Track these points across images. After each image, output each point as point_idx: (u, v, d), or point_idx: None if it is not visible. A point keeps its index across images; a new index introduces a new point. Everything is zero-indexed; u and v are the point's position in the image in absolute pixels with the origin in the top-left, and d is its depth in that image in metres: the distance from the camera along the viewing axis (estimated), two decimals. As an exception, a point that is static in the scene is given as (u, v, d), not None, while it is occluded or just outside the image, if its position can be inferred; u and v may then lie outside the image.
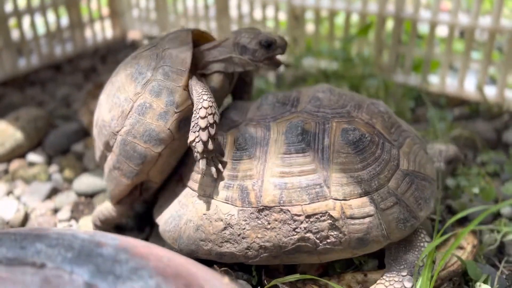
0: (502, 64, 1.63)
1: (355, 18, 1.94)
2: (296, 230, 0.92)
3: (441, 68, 1.75)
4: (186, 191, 1.04)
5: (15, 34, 2.01)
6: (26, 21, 2.09)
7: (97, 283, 0.62)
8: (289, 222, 0.93)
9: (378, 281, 0.93)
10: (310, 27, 2.14)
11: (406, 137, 1.05)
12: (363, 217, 0.92)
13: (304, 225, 0.92)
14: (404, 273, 0.92)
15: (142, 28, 2.48)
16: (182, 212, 1.02)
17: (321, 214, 0.92)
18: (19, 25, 1.98)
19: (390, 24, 1.92)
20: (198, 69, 1.07)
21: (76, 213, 1.28)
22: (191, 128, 0.96)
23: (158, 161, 1.02)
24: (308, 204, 0.93)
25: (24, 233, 0.71)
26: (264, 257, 0.95)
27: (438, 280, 0.96)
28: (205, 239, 0.98)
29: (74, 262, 0.65)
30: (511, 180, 1.29)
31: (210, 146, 0.95)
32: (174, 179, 1.11)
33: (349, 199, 0.93)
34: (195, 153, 0.96)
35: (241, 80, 1.21)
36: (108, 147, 1.06)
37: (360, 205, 0.93)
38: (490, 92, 1.68)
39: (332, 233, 0.92)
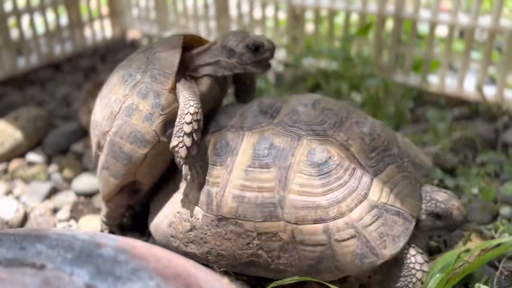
0: (501, 64, 1.63)
1: (354, 17, 1.94)
2: (249, 245, 0.93)
3: (440, 68, 1.75)
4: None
5: (14, 34, 2.01)
6: (25, 20, 2.09)
7: (97, 284, 0.62)
8: (243, 236, 0.93)
9: None
10: (309, 27, 2.14)
11: (389, 164, 0.94)
12: (314, 245, 0.88)
13: (256, 241, 0.92)
14: None
15: (141, 27, 2.48)
16: (164, 207, 1.06)
17: (272, 234, 0.91)
18: (19, 24, 1.98)
19: (390, 24, 1.92)
20: (188, 72, 1.08)
21: (75, 213, 1.28)
22: (174, 132, 0.96)
23: (144, 162, 1.03)
24: (261, 222, 0.91)
25: (24, 234, 0.71)
26: (223, 264, 0.96)
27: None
28: (174, 236, 1.01)
29: (74, 263, 0.65)
30: (511, 180, 1.29)
31: (193, 152, 0.96)
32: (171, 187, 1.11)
33: (301, 224, 0.89)
34: (178, 159, 0.96)
35: (242, 82, 1.21)
36: (99, 147, 1.08)
37: (312, 232, 0.88)
38: (490, 92, 1.68)
39: (284, 255, 0.91)
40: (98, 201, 1.32)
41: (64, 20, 2.23)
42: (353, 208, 0.88)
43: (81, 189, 1.35)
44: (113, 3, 2.40)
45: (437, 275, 0.88)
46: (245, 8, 2.18)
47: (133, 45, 2.38)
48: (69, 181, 1.41)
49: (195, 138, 0.96)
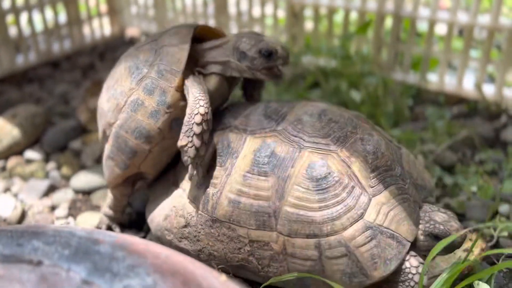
0: (500, 62, 1.63)
1: (354, 15, 1.94)
2: (241, 250, 0.93)
3: (439, 66, 1.75)
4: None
5: (12, 31, 2.00)
6: (24, 17, 2.08)
7: (94, 281, 0.62)
8: (235, 241, 0.94)
9: None
10: (309, 25, 2.14)
11: (389, 185, 0.92)
12: (305, 259, 0.89)
13: (247, 248, 0.93)
14: None
15: (140, 25, 2.47)
16: (162, 198, 1.07)
17: (263, 243, 0.91)
18: (17, 22, 1.97)
19: (389, 22, 1.92)
20: (197, 67, 1.06)
21: (73, 210, 1.28)
22: (183, 131, 0.95)
23: (148, 157, 1.03)
24: (254, 229, 0.92)
25: (21, 230, 0.71)
26: (215, 263, 0.97)
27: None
28: (169, 229, 1.02)
29: (71, 260, 0.65)
30: (509, 178, 1.29)
31: (202, 152, 0.96)
32: (169, 181, 1.11)
33: (293, 237, 0.89)
34: (186, 157, 0.96)
35: (251, 80, 1.16)
36: (105, 136, 1.08)
37: (304, 247, 0.88)
38: (489, 90, 1.68)
39: (274, 264, 0.91)
40: (97, 199, 1.32)
41: (62, 17, 2.23)
42: (348, 226, 0.87)
43: (79, 186, 1.35)
44: (111, 1, 2.39)
45: (444, 275, 0.88)
46: (244, 6, 2.17)
47: (132, 43, 2.37)
48: (67, 178, 1.41)
49: (205, 138, 0.95)
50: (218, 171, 0.97)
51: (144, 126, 0.99)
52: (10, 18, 2.01)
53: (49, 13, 2.15)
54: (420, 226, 0.93)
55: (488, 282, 0.95)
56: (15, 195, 1.35)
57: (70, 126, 1.60)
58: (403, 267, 0.89)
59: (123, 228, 1.20)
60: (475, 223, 1.15)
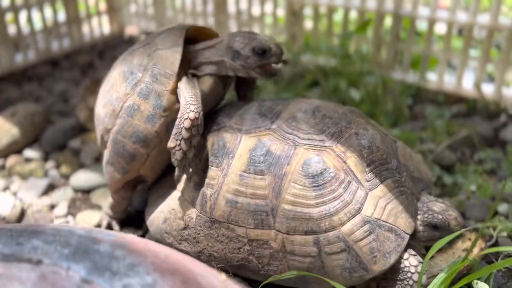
0: (500, 61, 1.63)
1: (353, 14, 1.94)
2: (240, 249, 0.93)
3: (439, 65, 1.75)
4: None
5: (12, 29, 2.00)
6: (23, 16, 2.08)
7: (93, 280, 0.62)
8: (235, 241, 0.94)
9: None
10: (308, 24, 2.14)
11: (385, 178, 0.92)
12: (304, 256, 0.89)
13: (247, 247, 0.93)
14: None
15: (139, 23, 2.47)
16: (161, 200, 1.07)
17: (262, 242, 0.91)
18: (16, 20, 1.97)
19: (388, 21, 1.92)
20: (191, 68, 1.06)
21: (73, 209, 1.28)
22: (173, 134, 0.96)
23: (147, 161, 1.03)
24: (252, 228, 0.92)
25: (21, 229, 0.71)
26: (215, 264, 0.97)
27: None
28: (168, 232, 1.02)
29: (70, 259, 0.65)
30: (508, 178, 1.29)
31: (190, 155, 0.96)
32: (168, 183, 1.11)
33: (292, 235, 0.89)
34: (173, 159, 0.96)
35: (244, 79, 1.17)
36: (103, 141, 1.09)
37: (303, 243, 0.89)
38: (488, 89, 1.68)
39: (273, 262, 0.91)
40: (96, 197, 1.32)
41: (62, 16, 2.23)
42: (346, 222, 0.87)
43: (78, 185, 1.35)
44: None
45: (442, 274, 0.88)
46: (243, 4, 2.17)
47: (131, 42, 2.37)
48: (66, 177, 1.41)
49: (193, 143, 0.96)
50: (215, 172, 0.97)
51: (141, 130, 1.00)
52: (9, 17, 2.01)
53: (48, 11, 2.14)
54: (419, 217, 0.93)
55: (486, 281, 0.96)
56: (14, 194, 1.35)
57: (70, 124, 1.60)
58: (402, 266, 0.89)
59: (122, 226, 1.20)
60: (475, 223, 1.15)
